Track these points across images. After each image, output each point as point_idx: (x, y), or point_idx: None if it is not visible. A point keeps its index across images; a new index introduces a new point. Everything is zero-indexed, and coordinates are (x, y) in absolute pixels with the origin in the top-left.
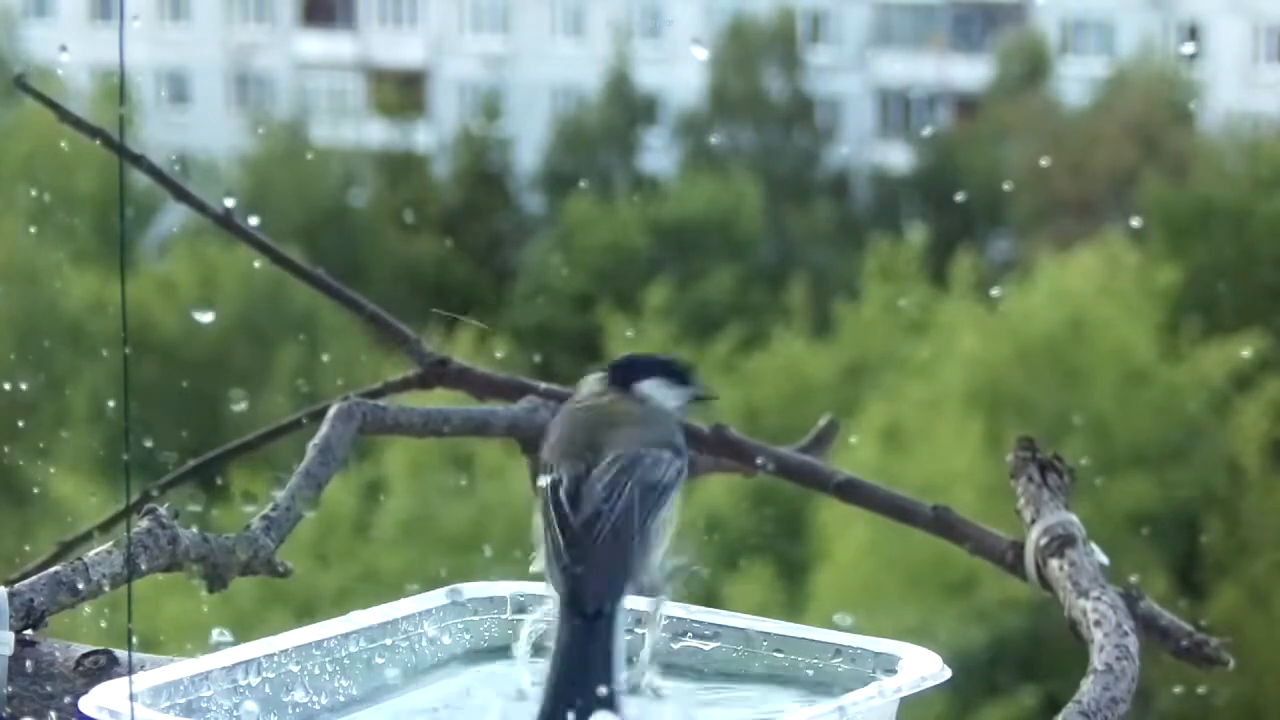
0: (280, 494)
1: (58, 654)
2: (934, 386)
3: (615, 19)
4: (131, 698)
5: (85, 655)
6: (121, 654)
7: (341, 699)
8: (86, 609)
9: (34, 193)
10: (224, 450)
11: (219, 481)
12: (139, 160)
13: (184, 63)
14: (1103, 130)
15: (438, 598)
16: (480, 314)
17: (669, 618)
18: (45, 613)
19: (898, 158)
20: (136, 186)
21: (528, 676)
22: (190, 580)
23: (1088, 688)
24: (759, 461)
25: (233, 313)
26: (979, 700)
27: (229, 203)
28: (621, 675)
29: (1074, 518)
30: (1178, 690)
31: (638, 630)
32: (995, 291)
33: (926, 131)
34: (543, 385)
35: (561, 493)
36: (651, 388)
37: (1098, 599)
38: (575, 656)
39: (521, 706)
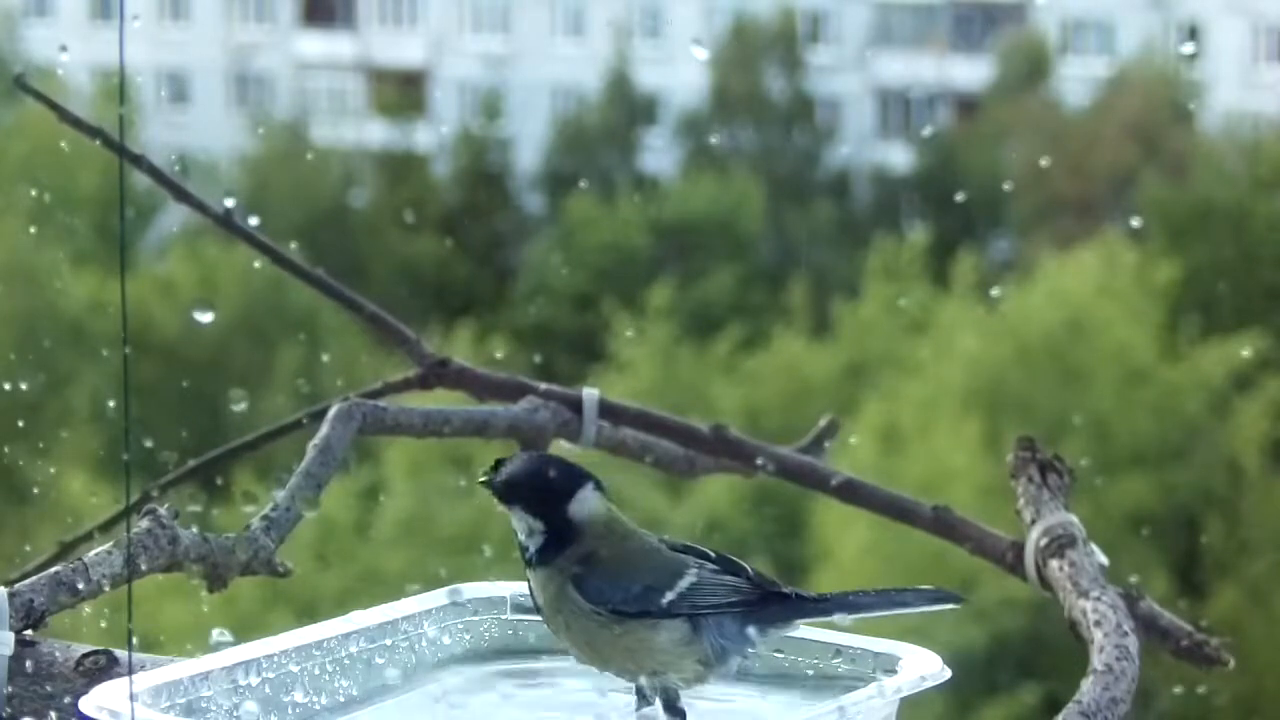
0: (280, 494)
1: (58, 654)
2: (934, 386)
3: (615, 19)
4: (131, 698)
5: (85, 655)
6: (121, 654)
7: (341, 699)
8: (86, 609)
9: (34, 193)
10: (224, 450)
11: (219, 481)
12: (139, 160)
13: (184, 63)
14: (1103, 130)
15: (438, 598)
16: (480, 314)
17: None
18: (45, 613)
19: (898, 158)
20: (136, 186)
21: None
22: (190, 580)
23: (1087, 688)
24: (759, 462)
25: (233, 313)
26: (979, 700)
27: (229, 203)
28: None
29: (1074, 518)
30: (1178, 690)
31: None
32: (995, 291)
33: (926, 131)
34: (543, 385)
35: None
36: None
37: (1098, 599)
38: None
39: (522, 706)
